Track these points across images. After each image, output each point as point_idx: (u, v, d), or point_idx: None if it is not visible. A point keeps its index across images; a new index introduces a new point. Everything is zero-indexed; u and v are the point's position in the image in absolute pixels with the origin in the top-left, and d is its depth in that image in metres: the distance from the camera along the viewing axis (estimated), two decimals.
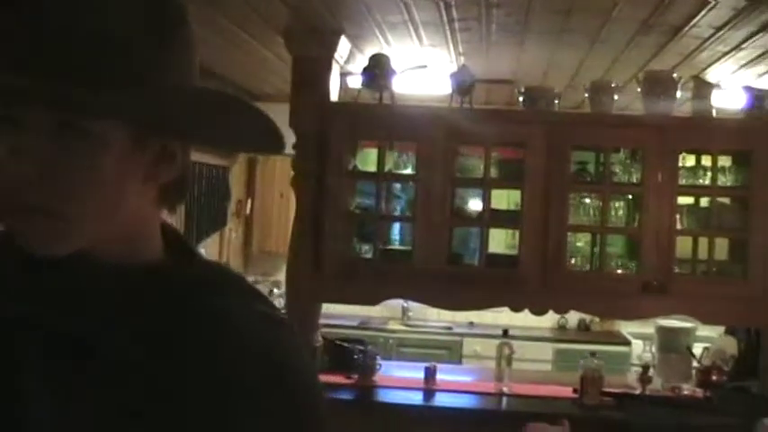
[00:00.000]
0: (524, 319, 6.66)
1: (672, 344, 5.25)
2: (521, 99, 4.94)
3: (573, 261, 4.94)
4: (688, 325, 5.28)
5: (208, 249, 7.23)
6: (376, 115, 4.92)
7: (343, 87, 5.32)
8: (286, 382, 1.08)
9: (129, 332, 1.01)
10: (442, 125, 4.75)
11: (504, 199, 5.62)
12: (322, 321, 5.85)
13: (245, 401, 1.02)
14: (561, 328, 8.11)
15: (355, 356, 5.06)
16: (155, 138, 1.03)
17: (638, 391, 4.91)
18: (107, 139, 0.97)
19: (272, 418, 1.05)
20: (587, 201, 4.96)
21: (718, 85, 5.08)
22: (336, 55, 5.05)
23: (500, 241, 5.88)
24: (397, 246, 5.40)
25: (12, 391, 0.97)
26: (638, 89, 4.91)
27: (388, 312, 8.09)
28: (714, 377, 4.90)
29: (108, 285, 1.03)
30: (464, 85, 4.89)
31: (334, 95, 5.06)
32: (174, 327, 1.04)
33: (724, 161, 5.04)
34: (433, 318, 8.04)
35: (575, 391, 4.78)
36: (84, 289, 1.02)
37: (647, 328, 5.77)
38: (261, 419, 1.04)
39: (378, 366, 5.04)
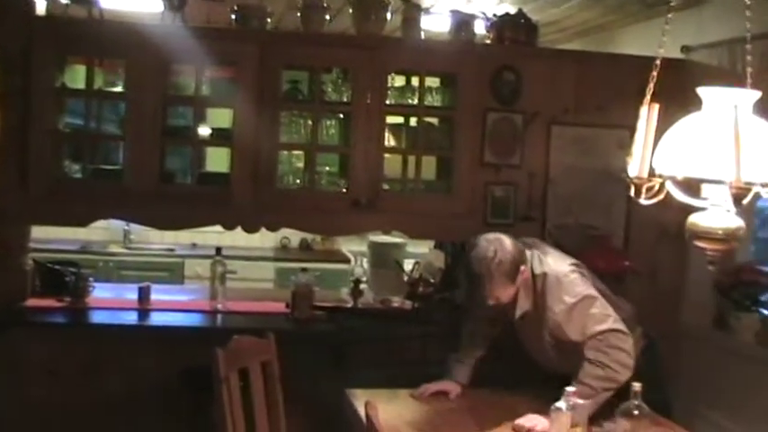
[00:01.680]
0: (247, 239, 7.12)
1: (383, 258, 5.85)
2: (233, 17, 5.31)
3: (285, 179, 5.40)
4: (399, 240, 5.89)
5: None
6: (84, 31, 5.11)
7: (50, 1, 5.47)
8: None
9: None
10: (154, 43, 5.00)
11: (220, 117, 5.97)
12: (41, 246, 6.08)
13: None
14: (284, 247, 8.65)
15: (67, 279, 5.31)
16: None
17: (349, 305, 5.47)
18: None
19: None
20: (300, 120, 5.41)
21: (427, 9, 5.63)
22: None
23: (215, 160, 6.24)
24: (109, 165, 5.65)
25: None
26: (351, 10, 5.39)
27: (110, 236, 8.34)
28: (422, 289, 5.51)
29: None
30: (175, 2, 5.20)
31: (40, 9, 5.22)
32: None
33: (432, 82, 5.61)
34: (156, 240, 8.37)
35: (287, 306, 5.27)
36: None
37: (365, 246, 6.35)
38: None
39: (91, 288, 5.32)
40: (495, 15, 5.58)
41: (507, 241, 3.93)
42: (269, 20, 5.34)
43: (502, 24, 5.52)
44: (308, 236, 8.57)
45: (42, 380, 4.86)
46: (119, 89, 5.29)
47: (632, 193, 2.73)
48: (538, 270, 3.99)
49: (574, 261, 4.11)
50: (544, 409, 3.50)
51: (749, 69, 2.68)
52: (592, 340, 3.80)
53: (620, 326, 3.84)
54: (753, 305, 5.28)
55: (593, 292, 3.96)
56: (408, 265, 5.68)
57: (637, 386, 3.24)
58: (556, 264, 4.01)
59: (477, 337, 4.39)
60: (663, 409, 3.73)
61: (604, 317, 3.86)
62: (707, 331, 5.49)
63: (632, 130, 4.90)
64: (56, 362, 4.89)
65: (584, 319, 3.85)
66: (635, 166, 2.69)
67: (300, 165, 5.55)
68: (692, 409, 5.11)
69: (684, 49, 5.43)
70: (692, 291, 5.56)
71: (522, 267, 3.93)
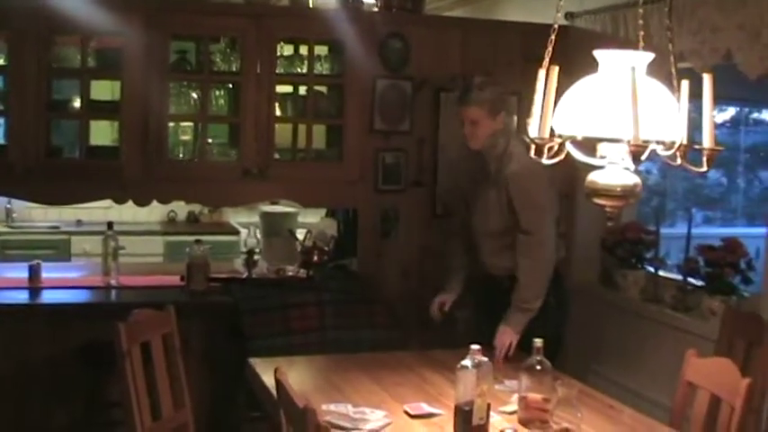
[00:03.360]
0: (134, 214, 7.07)
1: (275, 228, 5.86)
2: None
3: (175, 151, 5.36)
4: (290, 210, 5.90)
5: None
6: None
7: None
8: None
9: None
10: (36, 13, 4.90)
11: (105, 89, 5.86)
12: None
13: None
14: (171, 221, 8.55)
15: None
16: None
17: (244, 275, 5.47)
18: None
19: None
20: (189, 91, 5.36)
21: None
22: None
23: (103, 133, 6.14)
24: None
25: None
26: None
27: None
28: (316, 257, 5.53)
29: None
30: None
31: None
32: None
33: (320, 50, 5.62)
34: (40, 218, 8.18)
35: (182, 278, 5.24)
36: None
37: (255, 217, 6.34)
38: None
39: None
40: None
41: (499, 86, 4.52)
42: None
43: None
44: (196, 208, 8.51)
45: None
46: (0, 62, 5.14)
47: (533, 153, 2.80)
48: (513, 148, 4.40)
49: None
50: (442, 365, 3.60)
51: (641, 33, 2.77)
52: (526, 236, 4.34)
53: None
54: (637, 262, 5.46)
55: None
56: (301, 234, 5.70)
57: (538, 342, 3.33)
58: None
59: (457, 248, 4.80)
60: (554, 345, 3.89)
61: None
62: (594, 287, 5.67)
63: (519, 94, 5.05)
64: None
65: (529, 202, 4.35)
66: (535, 128, 2.75)
67: (190, 136, 5.51)
68: (582, 364, 5.28)
69: (568, 15, 5.56)
70: (579, 248, 5.72)
71: (503, 113, 4.44)
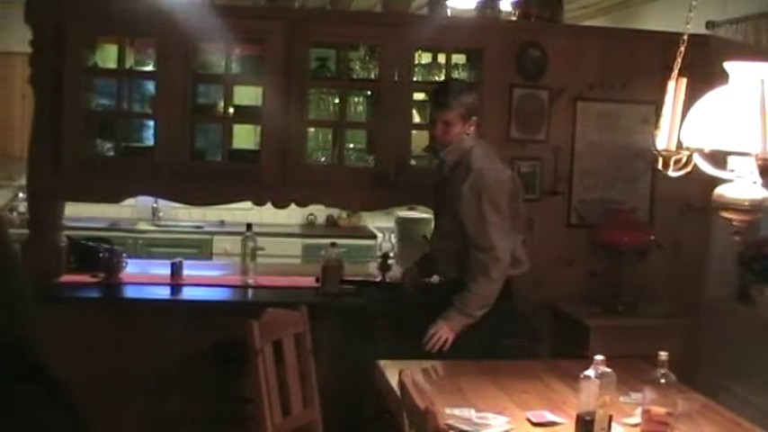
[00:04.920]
0: (274, 216, 7.23)
1: (410, 234, 5.93)
2: None
3: (313, 156, 5.49)
4: (425, 216, 5.96)
5: None
6: (115, 11, 5.20)
7: None
8: None
9: None
10: (183, 22, 5.10)
11: (249, 95, 6.05)
12: (72, 224, 6.19)
13: None
14: (310, 224, 8.71)
15: (100, 255, 5.41)
16: None
17: (378, 279, 5.55)
18: None
19: None
20: (328, 97, 5.49)
21: None
22: None
23: (245, 137, 6.33)
24: (140, 143, 5.76)
25: None
26: None
27: (138, 213, 8.45)
28: None
29: None
30: None
31: None
32: None
33: (458, 59, 5.67)
34: (184, 218, 8.48)
35: (317, 280, 5.36)
36: None
37: (392, 221, 6.43)
38: None
39: (124, 264, 5.42)
40: None
41: (474, 93, 4.69)
42: None
43: (527, 1, 5.58)
44: (335, 212, 8.65)
45: (76, 354, 4.96)
46: (149, 68, 5.38)
47: (660, 165, 2.79)
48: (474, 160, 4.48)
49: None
50: (569, 374, 3.60)
51: None
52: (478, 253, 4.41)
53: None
54: None
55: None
56: None
57: (663, 355, 3.31)
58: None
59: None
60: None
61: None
62: (730, 304, 5.55)
63: (657, 105, 4.99)
64: (90, 336, 4.99)
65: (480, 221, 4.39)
66: (663, 139, 2.75)
67: (329, 142, 5.64)
68: (715, 381, 5.18)
69: (709, 24, 5.46)
70: (716, 264, 5.61)
71: (475, 118, 4.54)
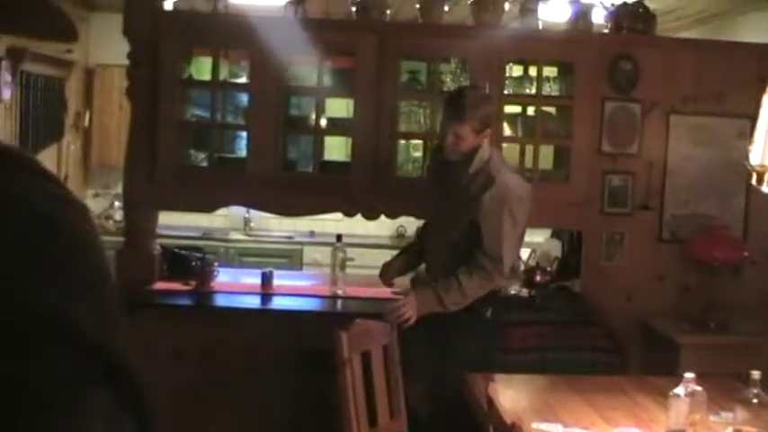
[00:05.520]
0: (365, 227, 7.26)
1: None
2: (353, 9, 5.44)
3: (404, 168, 5.52)
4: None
5: (45, 162, 7.53)
6: (210, 24, 5.34)
7: None
8: (72, 256, 1.05)
9: None
10: (276, 34, 5.18)
11: (340, 107, 6.12)
12: (166, 233, 6.32)
13: (26, 275, 0.98)
14: (400, 236, 8.74)
15: (193, 264, 5.52)
16: None
17: None
18: None
19: (58, 289, 1.00)
20: (418, 109, 5.52)
21: None
22: None
23: (336, 149, 6.39)
24: (233, 154, 5.86)
25: None
26: (469, 1, 5.47)
27: (231, 223, 8.60)
28: (538, 277, 5.55)
29: None
30: None
31: (168, 4, 5.44)
32: None
33: (549, 72, 5.66)
34: (275, 228, 8.57)
35: None
36: None
37: None
38: (46, 291, 0.99)
39: (215, 273, 5.51)
40: (613, 5, 5.59)
41: (491, 103, 4.63)
42: (388, 11, 5.44)
43: (620, 13, 5.53)
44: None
45: (168, 360, 5.06)
46: (242, 80, 5.47)
47: (754, 180, 2.75)
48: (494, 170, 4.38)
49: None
50: (658, 391, 3.56)
51: None
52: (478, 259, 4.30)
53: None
54: None
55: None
56: (524, 253, 5.73)
57: (756, 374, 3.26)
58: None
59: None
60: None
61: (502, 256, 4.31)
62: None
63: (753, 119, 4.92)
64: (181, 342, 5.08)
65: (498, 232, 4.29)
66: (757, 154, 2.71)
67: (419, 154, 5.66)
68: None
69: None
70: None
71: (489, 131, 4.41)
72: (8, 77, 6.15)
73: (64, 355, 0.98)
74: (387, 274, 4.87)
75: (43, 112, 7.58)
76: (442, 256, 4.56)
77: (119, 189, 6.23)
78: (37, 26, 1.15)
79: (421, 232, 4.99)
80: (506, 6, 5.45)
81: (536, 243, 6.18)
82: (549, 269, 5.67)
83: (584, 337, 5.12)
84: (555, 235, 6.18)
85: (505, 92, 5.41)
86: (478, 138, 4.36)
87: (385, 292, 5.54)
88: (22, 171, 1.07)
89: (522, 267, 5.62)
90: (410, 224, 8.52)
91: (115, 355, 1.03)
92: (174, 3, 5.53)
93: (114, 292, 1.14)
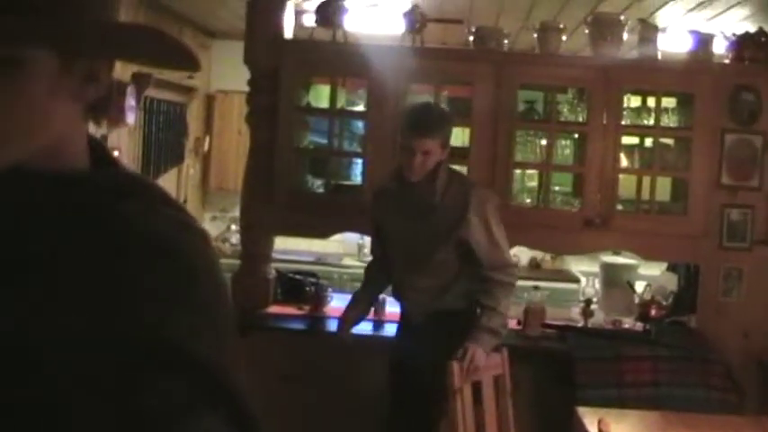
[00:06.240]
0: None
1: (615, 279, 5.84)
2: (471, 39, 5.47)
3: (519, 197, 5.51)
4: (631, 261, 5.88)
5: (165, 185, 7.73)
6: (329, 52, 5.42)
7: (298, 25, 5.79)
8: (192, 282, 1.12)
9: (28, 234, 1.08)
10: (393, 63, 5.25)
11: (457, 135, 6.12)
12: (281, 257, 6.41)
13: (148, 302, 1.06)
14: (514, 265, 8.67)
15: (307, 288, 5.60)
16: (81, 61, 1.09)
17: (580, 324, 5.51)
18: (36, 65, 1.04)
19: (178, 316, 1.07)
20: (536, 139, 5.52)
21: (663, 29, 5.62)
22: None
23: None
24: (349, 181, 5.93)
25: None
26: (587, 31, 5.45)
27: (344, 249, 8.69)
28: (653, 312, 5.48)
29: (20, 195, 1.08)
30: (415, 24, 5.41)
31: (288, 33, 5.55)
32: (76, 230, 1.07)
33: (668, 102, 5.59)
34: None
35: (518, 322, 5.36)
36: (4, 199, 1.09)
37: (596, 266, 6.37)
38: (167, 318, 1.06)
39: (329, 298, 5.58)
40: (734, 34, 5.50)
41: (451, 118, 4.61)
42: (506, 41, 5.46)
43: (741, 43, 5.44)
44: (538, 254, 8.62)
45: (275, 382, 5.12)
46: (360, 108, 5.54)
47: None
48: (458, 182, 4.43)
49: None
50: None
51: None
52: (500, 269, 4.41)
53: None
54: None
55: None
56: (640, 286, 5.67)
57: None
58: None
59: (376, 268, 4.84)
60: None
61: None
62: None
63: None
64: (291, 366, 5.13)
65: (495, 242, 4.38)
66: None
67: (534, 183, 5.65)
68: None
69: None
70: None
71: (449, 145, 4.36)
72: (133, 102, 6.34)
73: (184, 383, 1.03)
74: (345, 331, 4.74)
75: (165, 137, 7.80)
76: (424, 282, 4.47)
77: (236, 212, 6.34)
78: (160, 57, 1.18)
79: (371, 271, 4.89)
80: (625, 36, 5.40)
81: (652, 276, 6.09)
82: (664, 303, 5.59)
83: (700, 374, 5.02)
84: (671, 268, 6.08)
85: (623, 122, 5.36)
86: (442, 154, 4.29)
87: None
88: (145, 198, 1.18)
89: (638, 301, 5.55)
90: (523, 254, 8.51)
91: (229, 381, 1.08)
92: (294, 32, 5.63)
93: (232, 316, 1.20)
